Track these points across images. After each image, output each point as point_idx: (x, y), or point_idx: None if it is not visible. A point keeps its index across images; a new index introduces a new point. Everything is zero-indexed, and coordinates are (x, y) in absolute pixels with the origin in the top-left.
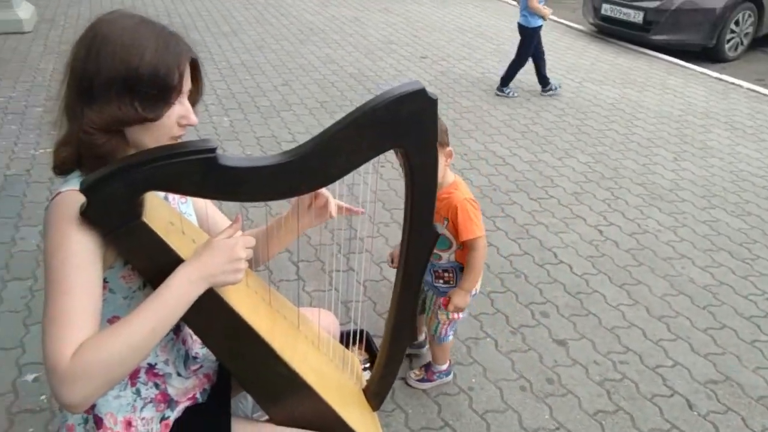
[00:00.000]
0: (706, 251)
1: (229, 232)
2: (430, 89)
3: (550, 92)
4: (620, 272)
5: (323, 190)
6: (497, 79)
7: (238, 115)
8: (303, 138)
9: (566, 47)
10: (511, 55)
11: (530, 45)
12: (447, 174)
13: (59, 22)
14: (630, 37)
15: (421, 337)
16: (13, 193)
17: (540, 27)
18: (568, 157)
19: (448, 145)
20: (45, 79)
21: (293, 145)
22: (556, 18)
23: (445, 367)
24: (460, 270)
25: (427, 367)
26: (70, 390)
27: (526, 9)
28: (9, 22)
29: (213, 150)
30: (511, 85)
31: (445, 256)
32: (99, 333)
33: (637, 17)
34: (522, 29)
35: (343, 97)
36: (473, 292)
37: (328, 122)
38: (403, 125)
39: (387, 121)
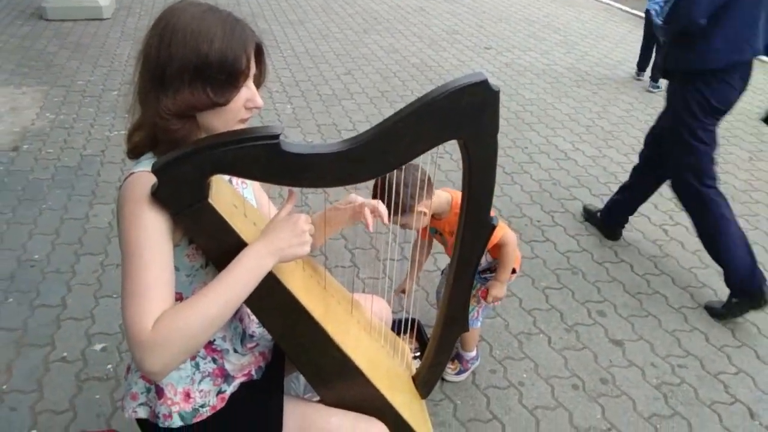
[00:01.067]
0: None
1: (288, 208)
2: (492, 81)
3: (658, 90)
4: (685, 274)
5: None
6: (562, 71)
7: (301, 102)
8: (363, 126)
9: (638, 39)
10: (581, 45)
11: None
12: (442, 202)
13: (136, 9)
14: None
15: None
16: (89, 173)
17: None
18: (635, 153)
19: (425, 197)
20: (121, 64)
21: (353, 134)
22: (629, 9)
23: (474, 353)
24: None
25: (459, 357)
26: (152, 358)
27: None
28: (90, 8)
29: (277, 136)
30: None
31: (482, 260)
32: (177, 305)
33: None
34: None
35: (404, 87)
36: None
37: (388, 112)
38: (464, 116)
39: (448, 112)
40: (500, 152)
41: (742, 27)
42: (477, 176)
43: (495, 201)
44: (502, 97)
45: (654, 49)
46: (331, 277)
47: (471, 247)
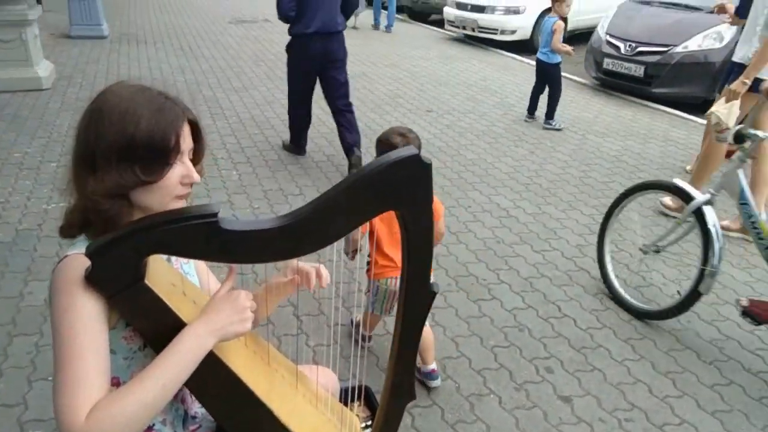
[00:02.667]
0: (712, 304)
1: (228, 285)
2: (435, 142)
3: (551, 127)
4: (625, 326)
5: (304, 267)
6: (501, 131)
7: (247, 168)
8: (310, 190)
9: (570, 100)
10: (518, 107)
11: (558, 77)
12: None
13: (77, 79)
14: (632, 90)
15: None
16: (24, 248)
17: (559, 63)
18: (572, 209)
19: None
20: (60, 135)
21: (300, 198)
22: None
23: (431, 368)
24: None
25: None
26: None
27: (547, 47)
28: (29, 79)
29: (215, 214)
30: (556, 116)
31: None
32: (112, 393)
33: (638, 71)
34: (543, 65)
35: None
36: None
37: (334, 175)
38: (399, 189)
39: (383, 186)
40: (445, 212)
41: (307, 11)
42: (415, 245)
43: (442, 261)
44: (445, 158)
45: (539, 94)
46: (274, 350)
47: (413, 315)
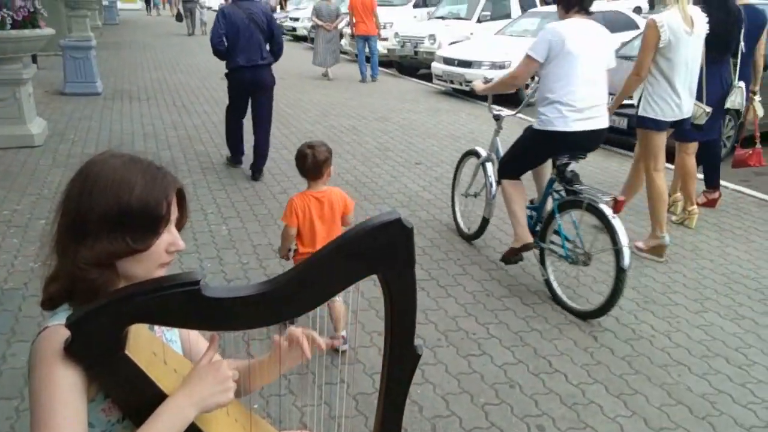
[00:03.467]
0: (702, 357)
1: (210, 354)
2: (424, 194)
3: None
4: (616, 381)
5: (301, 333)
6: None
7: (237, 223)
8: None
9: None
10: None
11: None
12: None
13: (69, 135)
14: (616, 141)
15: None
16: (9, 308)
17: None
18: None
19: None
20: (51, 191)
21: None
22: None
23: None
24: None
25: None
26: None
27: None
28: (21, 137)
29: (197, 282)
30: None
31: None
32: None
33: (621, 123)
34: None
35: None
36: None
37: None
38: (381, 253)
39: (365, 250)
40: (434, 265)
41: (235, 49)
42: (398, 308)
43: (431, 315)
44: (434, 211)
45: None
46: (257, 417)
47: (398, 379)
